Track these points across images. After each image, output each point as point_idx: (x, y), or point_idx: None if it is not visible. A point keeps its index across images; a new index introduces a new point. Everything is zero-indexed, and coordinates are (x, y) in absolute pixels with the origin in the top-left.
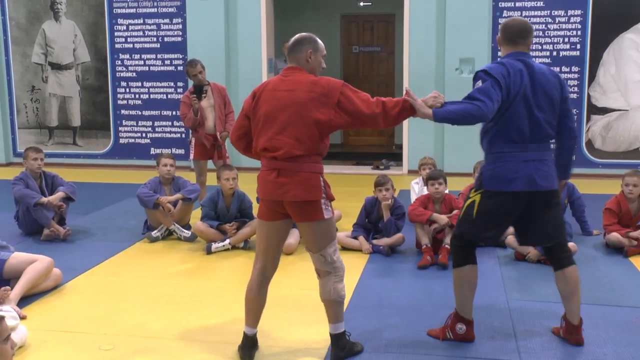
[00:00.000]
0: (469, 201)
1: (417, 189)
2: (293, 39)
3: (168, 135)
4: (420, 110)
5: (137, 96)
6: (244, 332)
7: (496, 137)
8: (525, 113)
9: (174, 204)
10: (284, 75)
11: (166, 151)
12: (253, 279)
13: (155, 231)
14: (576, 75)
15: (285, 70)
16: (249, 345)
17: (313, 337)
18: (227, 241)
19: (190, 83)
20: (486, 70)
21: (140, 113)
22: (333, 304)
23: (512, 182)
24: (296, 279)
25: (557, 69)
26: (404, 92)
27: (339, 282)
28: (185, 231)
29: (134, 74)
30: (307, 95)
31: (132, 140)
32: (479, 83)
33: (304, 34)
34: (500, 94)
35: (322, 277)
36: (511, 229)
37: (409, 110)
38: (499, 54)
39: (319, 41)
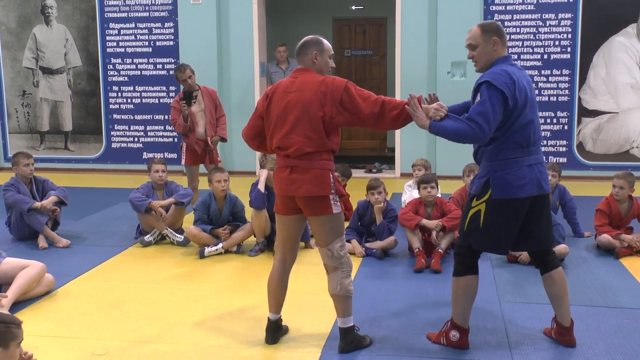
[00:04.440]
0: (472, 211)
1: (408, 192)
2: (300, 42)
3: (160, 139)
4: (418, 122)
5: (129, 100)
6: (268, 317)
7: (504, 144)
8: (531, 118)
9: (167, 208)
10: (293, 77)
11: (158, 156)
12: (274, 269)
13: (148, 236)
14: (567, 78)
15: (295, 71)
16: (272, 329)
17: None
18: (220, 245)
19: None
20: (490, 82)
21: (132, 117)
22: (340, 299)
23: (522, 188)
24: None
25: (547, 72)
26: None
27: (345, 277)
28: (178, 235)
29: (126, 78)
30: (314, 95)
31: (125, 144)
32: (481, 96)
33: (310, 36)
34: (502, 110)
35: (329, 273)
36: None
37: (408, 115)
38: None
39: (325, 42)
